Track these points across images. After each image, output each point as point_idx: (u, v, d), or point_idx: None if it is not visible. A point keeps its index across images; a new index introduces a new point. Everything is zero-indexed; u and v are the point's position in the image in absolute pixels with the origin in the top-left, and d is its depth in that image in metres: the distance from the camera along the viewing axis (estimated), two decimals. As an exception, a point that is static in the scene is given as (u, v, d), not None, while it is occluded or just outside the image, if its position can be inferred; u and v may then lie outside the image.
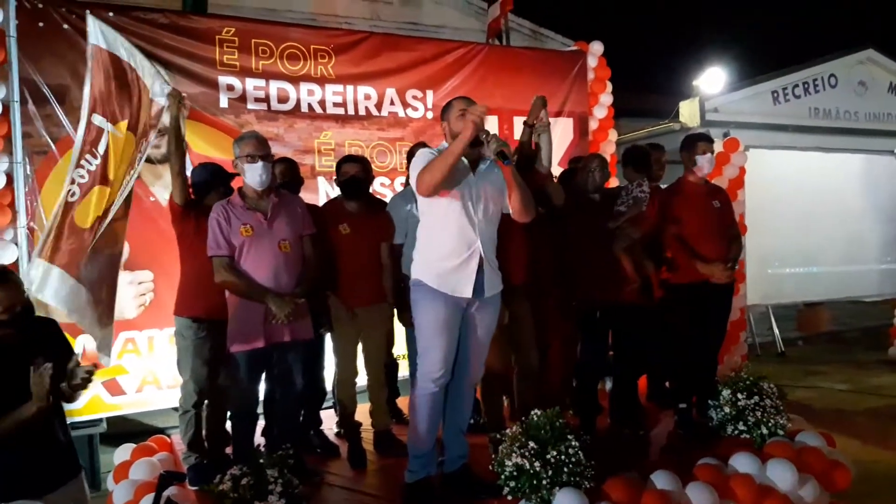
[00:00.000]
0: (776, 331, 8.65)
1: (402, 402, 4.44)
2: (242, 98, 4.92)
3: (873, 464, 4.38)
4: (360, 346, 3.82)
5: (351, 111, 5.30)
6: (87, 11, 4.10)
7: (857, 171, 8.49)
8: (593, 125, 6.47)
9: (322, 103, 5.19)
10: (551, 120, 4.23)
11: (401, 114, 5.50)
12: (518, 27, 8.98)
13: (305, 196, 3.86)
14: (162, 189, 4.51)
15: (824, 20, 23.10)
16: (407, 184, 4.22)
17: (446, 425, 3.22)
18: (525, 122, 3.86)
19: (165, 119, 3.95)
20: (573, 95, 6.31)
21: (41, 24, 4.25)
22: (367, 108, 5.37)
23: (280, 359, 3.28)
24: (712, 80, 11.12)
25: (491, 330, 3.16)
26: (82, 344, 4.27)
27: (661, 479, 3.10)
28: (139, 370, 4.57)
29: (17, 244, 4.16)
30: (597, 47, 6.46)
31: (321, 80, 5.19)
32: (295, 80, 5.09)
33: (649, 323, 4.09)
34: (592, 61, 6.45)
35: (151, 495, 3.25)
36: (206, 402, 3.59)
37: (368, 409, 3.92)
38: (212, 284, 3.23)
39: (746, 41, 22.78)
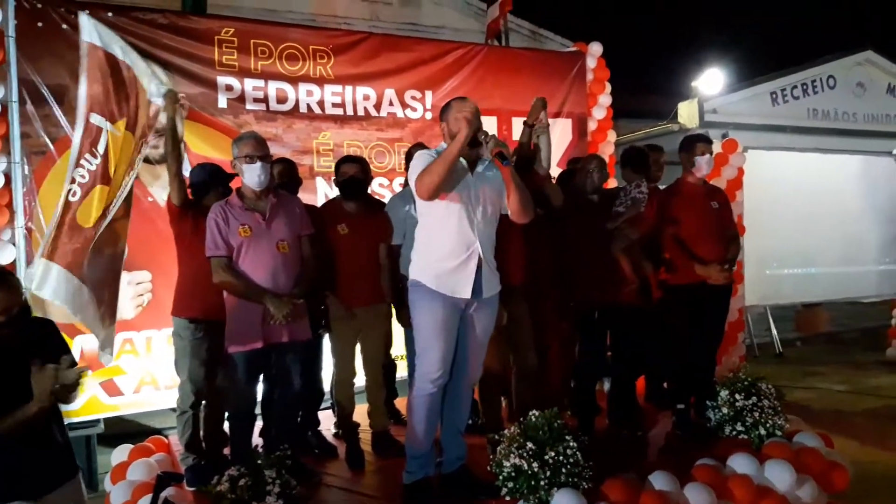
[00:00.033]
0: (774, 331, 8.67)
1: (401, 403, 4.43)
2: (241, 98, 4.91)
3: (871, 464, 4.38)
4: (358, 347, 3.82)
5: (350, 112, 5.29)
6: (80, 9, 4.10)
7: (856, 173, 8.48)
8: (592, 126, 6.46)
9: (321, 104, 5.19)
10: (550, 121, 4.24)
11: (400, 114, 5.49)
12: (517, 28, 8.98)
13: (304, 196, 3.86)
14: (160, 189, 4.51)
15: (823, 21, 23.18)
16: (406, 184, 4.22)
17: (444, 426, 3.22)
18: (524, 123, 3.86)
19: (163, 119, 3.95)
20: (572, 96, 6.30)
21: (40, 25, 4.24)
22: (365, 108, 5.36)
23: (278, 359, 3.28)
24: (711, 81, 11.16)
25: (489, 330, 3.16)
26: (80, 345, 4.28)
27: (660, 480, 3.10)
28: (137, 371, 4.56)
29: (14, 244, 4.15)
30: (596, 48, 6.46)
31: (320, 81, 5.18)
32: (294, 80, 5.08)
33: (647, 324, 4.09)
34: (591, 62, 6.45)
35: (149, 496, 3.24)
36: (203, 402, 3.58)
37: (366, 410, 3.92)
38: (210, 285, 3.23)
39: (745, 42, 22.90)
